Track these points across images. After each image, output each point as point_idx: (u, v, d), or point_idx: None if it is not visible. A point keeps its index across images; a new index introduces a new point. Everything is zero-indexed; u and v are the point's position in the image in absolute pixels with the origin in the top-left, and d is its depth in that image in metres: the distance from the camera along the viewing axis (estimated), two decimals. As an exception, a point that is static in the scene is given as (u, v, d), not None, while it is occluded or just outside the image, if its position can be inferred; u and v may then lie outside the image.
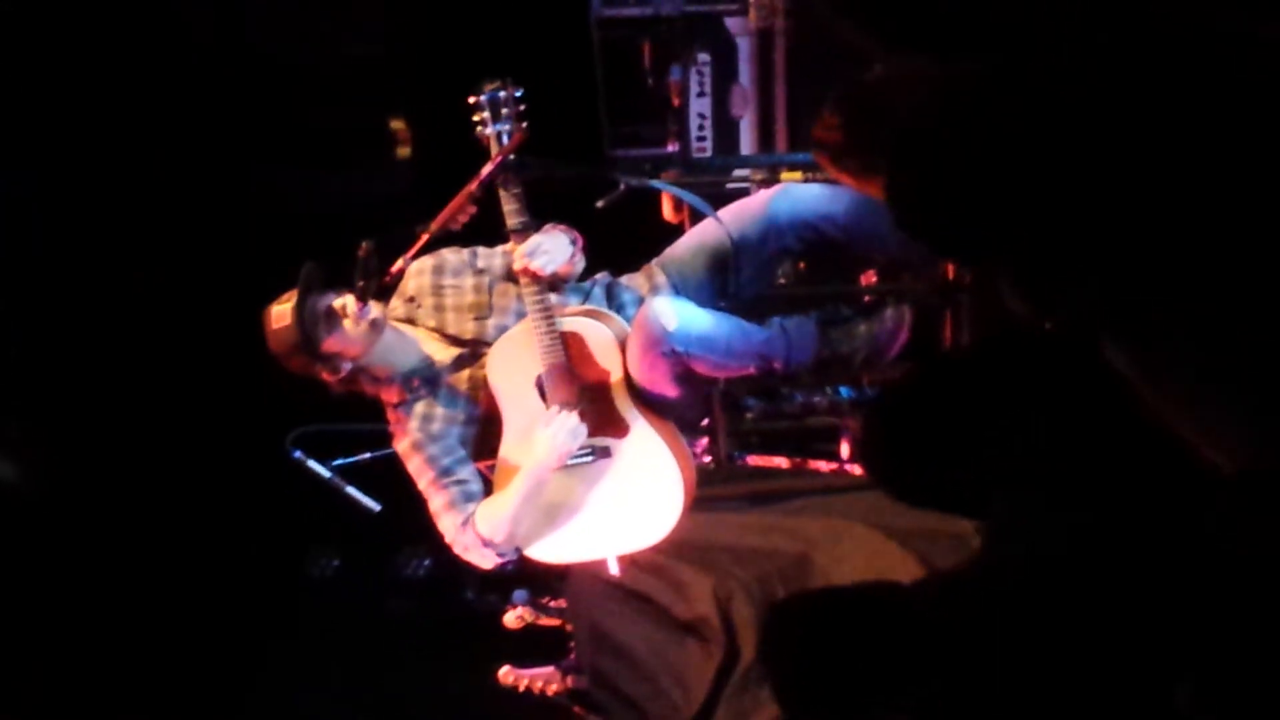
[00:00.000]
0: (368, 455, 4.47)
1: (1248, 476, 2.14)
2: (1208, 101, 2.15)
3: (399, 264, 3.95)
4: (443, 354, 4.09)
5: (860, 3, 2.40)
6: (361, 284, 3.80)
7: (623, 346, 3.95)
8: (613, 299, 4.18)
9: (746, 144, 5.38)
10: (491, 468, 4.06)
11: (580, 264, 4.08)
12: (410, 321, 4.14)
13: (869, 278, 4.65)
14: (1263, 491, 2.13)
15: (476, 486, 4.03)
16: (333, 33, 6.25)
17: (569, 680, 5.06)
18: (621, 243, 4.31)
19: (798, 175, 4.65)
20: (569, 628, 5.08)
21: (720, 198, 4.43)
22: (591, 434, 3.98)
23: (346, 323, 3.85)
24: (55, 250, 6.25)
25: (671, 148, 5.22)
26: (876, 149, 2.47)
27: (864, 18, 2.42)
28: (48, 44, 6.03)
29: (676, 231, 4.56)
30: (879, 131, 2.52)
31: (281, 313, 3.87)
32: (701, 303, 4.01)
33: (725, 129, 5.37)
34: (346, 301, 3.85)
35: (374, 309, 3.88)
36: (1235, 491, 2.16)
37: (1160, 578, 2.27)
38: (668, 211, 5.00)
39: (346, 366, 3.95)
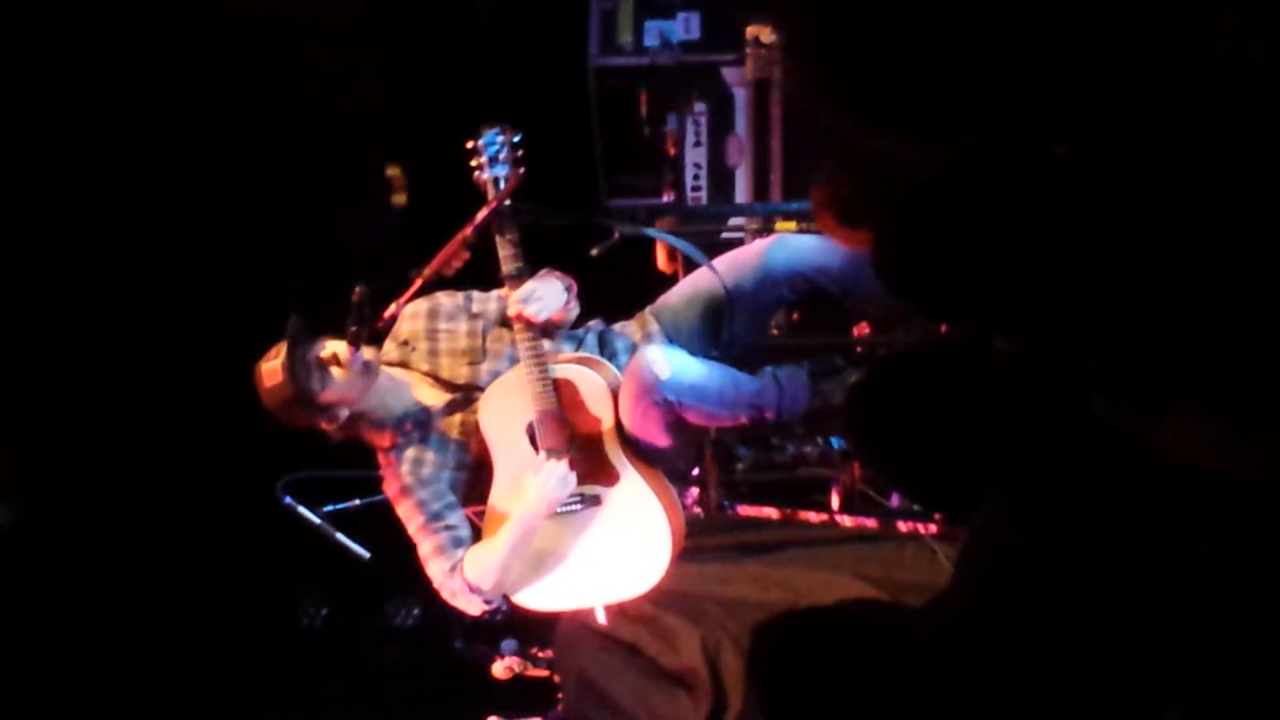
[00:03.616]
0: (358, 502, 4.46)
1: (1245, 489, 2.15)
2: (1191, 176, 2.16)
3: (392, 309, 3.94)
4: (435, 398, 4.08)
5: (839, 88, 2.41)
6: (354, 329, 3.78)
7: (615, 394, 3.95)
8: (605, 346, 4.17)
9: (742, 194, 5.39)
10: (481, 513, 4.05)
11: (574, 311, 4.08)
12: (403, 365, 4.13)
13: (862, 329, 4.64)
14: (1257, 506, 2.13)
15: (465, 532, 4.02)
16: (331, 77, 6.26)
17: (556, 731, 5.03)
18: (615, 290, 4.31)
19: (793, 225, 4.65)
20: (557, 678, 5.05)
21: (715, 247, 4.44)
22: (581, 482, 3.97)
23: (336, 371, 3.83)
24: (45, 285, 6.23)
25: (667, 197, 5.22)
26: (878, 210, 2.49)
27: (843, 102, 2.43)
28: (46, 72, 6.04)
29: (670, 281, 4.56)
30: (881, 194, 2.54)
31: (273, 370, 3.84)
32: (694, 352, 4.01)
33: (721, 178, 5.38)
34: (337, 349, 3.83)
35: (366, 353, 3.87)
36: (1229, 506, 2.17)
37: (1148, 594, 2.27)
38: (662, 261, 5.00)
39: (344, 413, 3.93)
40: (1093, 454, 2.32)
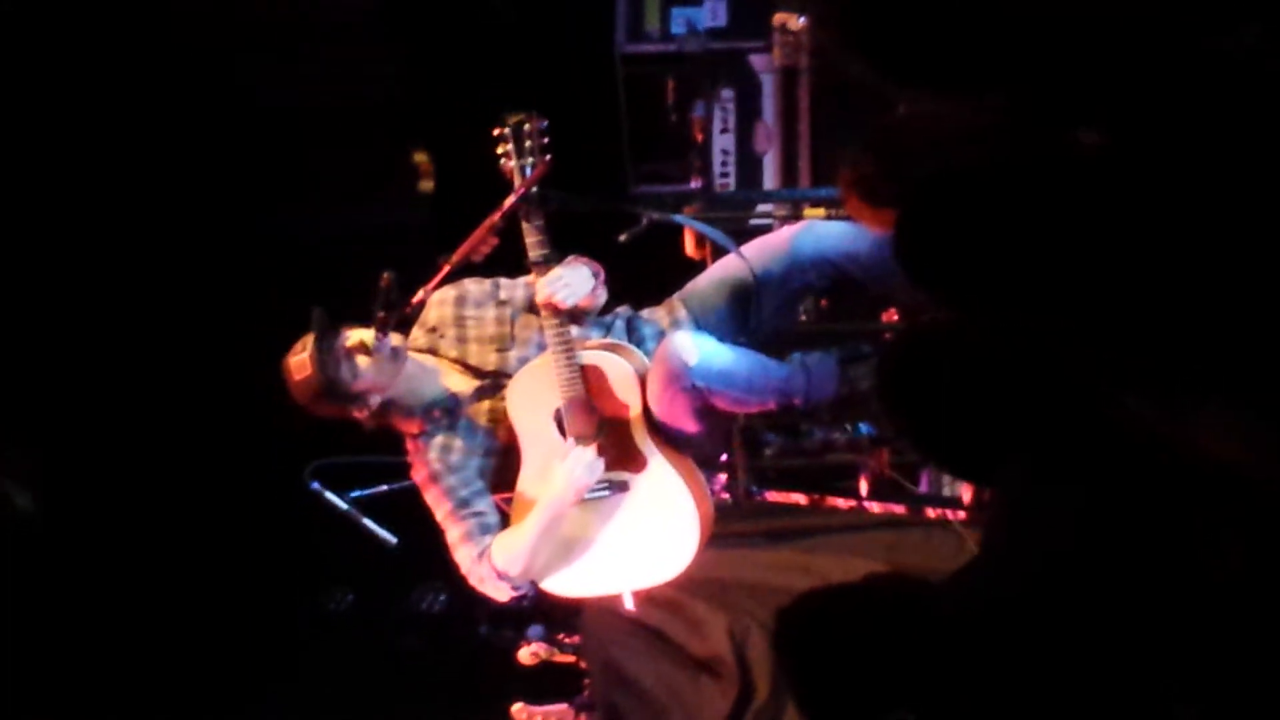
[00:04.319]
0: (385, 487, 4.46)
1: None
2: (1227, 166, 2.15)
3: (420, 295, 3.94)
4: (463, 385, 4.08)
5: (869, 43, 2.41)
6: (382, 315, 3.79)
7: (642, 381, 3.94)
8: (633, 333, 4.17)
9: (770, 180, 5.40)
10: (509, 500, 4.05)
11: (602, 297, 4.07)
12: (432, 352, 4.13)
13: (890, 316, 4.64)
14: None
15: (494, 519, 4.02)
16: (356, 65, 6.27)
17: (582, 717, 5.03)
18: (643, 277, 4.31)
19: (821, 211, 4.65)
20: (583, 664, 5.06)
21: (743, 233, 4.43)
22: (609, 468, 3.97)
23: (363, 359, 3.83)
24: (80, 278, 6.26)
25: (695, 183, 5.22)
26: (903, 190, 2.49)
27: (873, 58, 2.44)
28: (79, 73, 6.07)
29: (698, 267, 4.56)
30: (906, 173, 2.54)
31: (301, 363, 3.84)
32: (722, 338, 4.00)
33: (749, 165, 5.39)
34: (364, 336, 3.84)
35: (393, 339, 3.87)
36: (1250, 505, 2.16)
37: (1166, 587, 2.27)
38: (690, 248, 5.00)
39: (375, 401, 3.93)
40: (1118, 440, 2.31)
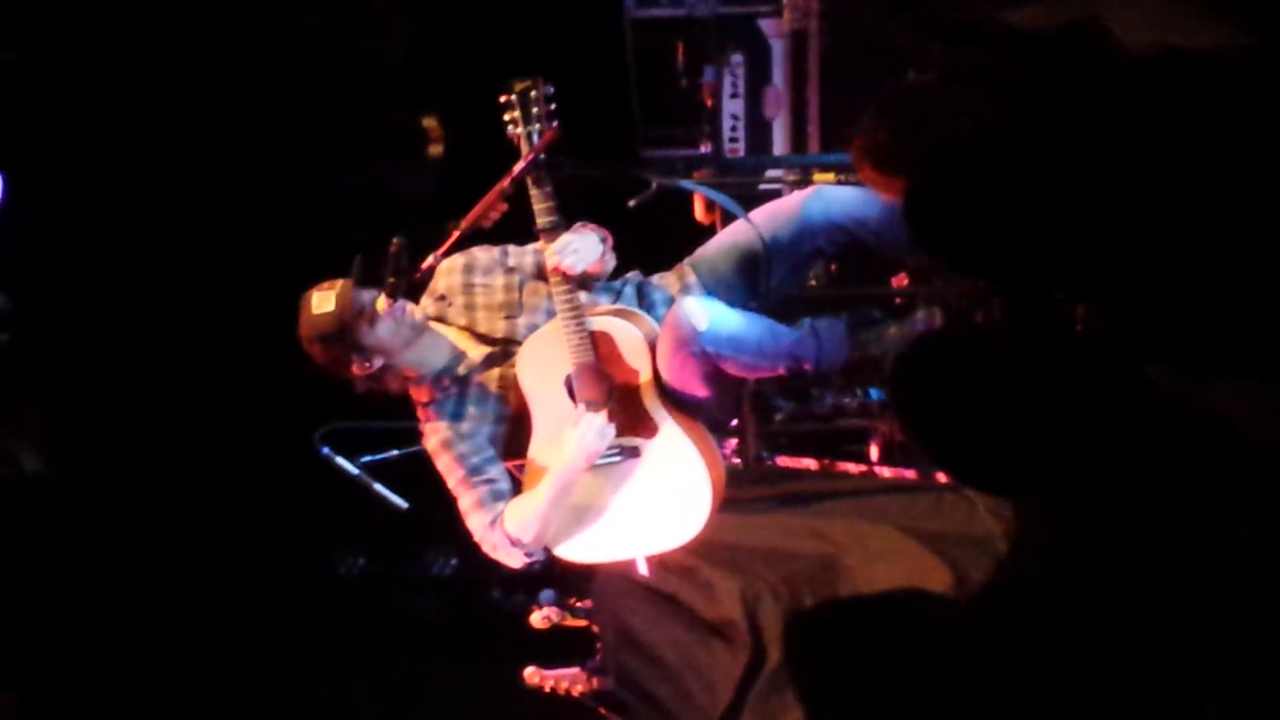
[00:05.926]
0: (395, 452, 4.47)
1: None
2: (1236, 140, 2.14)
3: (429, 261, 3.93)
4: (473, 352, 4.08)
5: None
6: (392, 281, 3.78)
7: (652, 346, 3.93)
8: (643, 298, 4.16)
9: (779, 145, 5.39)
10: (520, 467, 4.05)
11: (611, 263, 4.07)
12: (441, 320, 4.13)
13: (900, 280, 4.64)
14: None
15: (505, 485, 4.02)
16: (365, 30, 6.26)
17: (594, 681, 5.05)
18: (653, 242, 4.30)
19: (830, 177, 4.65)
20: (595, 628, 5.07)
21: (753, 198, 4.43)
22: (620, 434, 3.96)
23: (387, 323, 3.83)
24: (90, 245, 6.27)
25: (704, 148, 5.22)
26: (915, 157, 2.49)
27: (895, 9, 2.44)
28: (74, 44, 6.08)
29: (708, 232, 4.56)
30: (918, 141, 2.53)
31: (325, 297, 3.83)
32: (732, 303, 3.99)
33: (758, 130, 5.38)
34: (380, 301, 3.84)
35: (413, 310, 3.88)
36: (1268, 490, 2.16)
37: (1185, 595, 2.26)
38: (699, 212, 5.00)
39: (378, 362, 3.93)
40: (1122, 441, 2.31)
